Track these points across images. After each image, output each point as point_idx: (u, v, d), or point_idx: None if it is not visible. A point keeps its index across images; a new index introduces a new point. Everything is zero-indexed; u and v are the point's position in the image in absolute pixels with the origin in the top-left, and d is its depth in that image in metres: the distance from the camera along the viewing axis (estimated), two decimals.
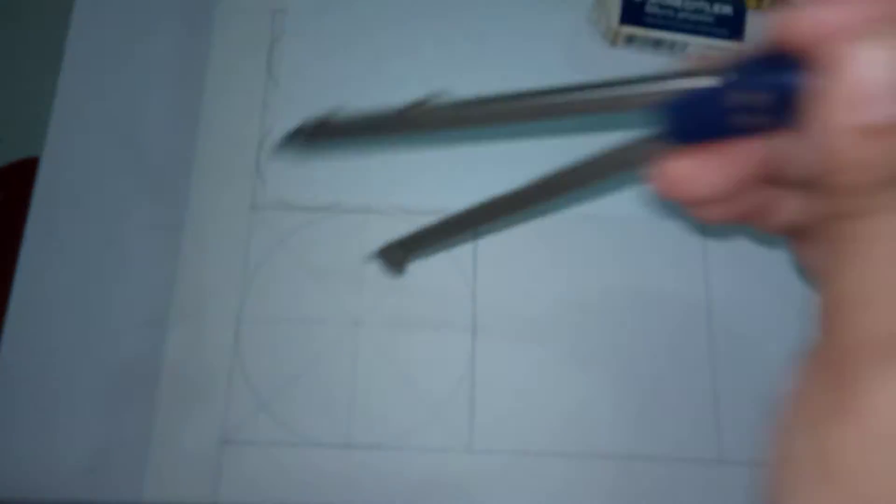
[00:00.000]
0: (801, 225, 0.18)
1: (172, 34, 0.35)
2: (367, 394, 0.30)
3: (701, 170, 0.17)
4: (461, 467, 0.29)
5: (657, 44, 0.33)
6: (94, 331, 0.30)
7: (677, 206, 0.18)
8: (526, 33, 0.34)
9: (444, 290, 0.31)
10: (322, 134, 0.24)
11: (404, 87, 0.33)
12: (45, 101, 0.34)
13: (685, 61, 0.16)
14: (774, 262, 0.31)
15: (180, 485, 0.28)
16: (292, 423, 0.29)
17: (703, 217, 0.18)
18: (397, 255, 0.29)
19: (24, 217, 0.32)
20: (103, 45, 0.35)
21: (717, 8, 0.33)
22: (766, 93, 0.14)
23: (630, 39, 0.33)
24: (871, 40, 0.12)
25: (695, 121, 0.16)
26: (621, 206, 0.32)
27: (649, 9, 0.32)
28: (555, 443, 0.29)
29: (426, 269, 0.31)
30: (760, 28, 0.34)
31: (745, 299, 0.31)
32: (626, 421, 0.29)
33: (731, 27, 0.32)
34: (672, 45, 0.33)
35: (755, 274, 0.31)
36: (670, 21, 0.32)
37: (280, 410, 0.29)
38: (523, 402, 0.30)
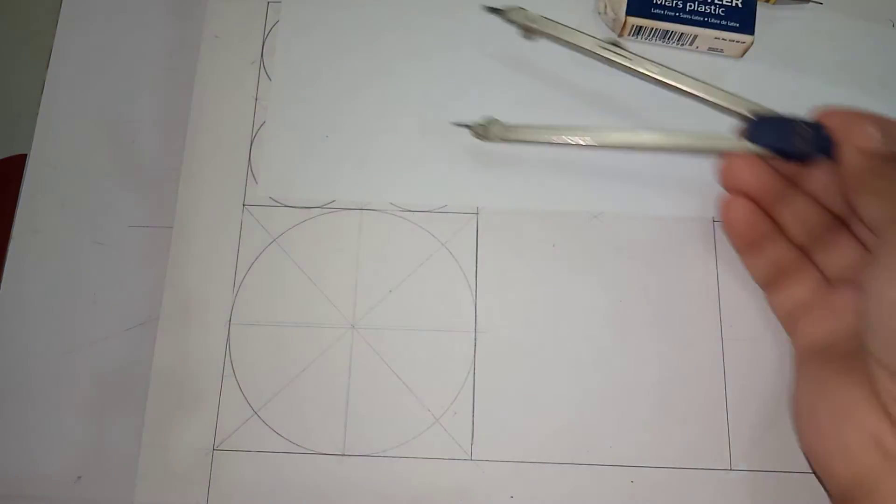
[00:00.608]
0: (778, 275, 0.27)
1: (162, 28, 0.34)
2: (364, 400, 0.29)
3: (753, 166, 0.27)
4: (461, 477, 0.28)
5: (665, 35, 0.32)
6: (81, 333, 0.30)
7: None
8: None
9: (444, 293, 0.30)
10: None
11: (402, 80, 0.33)
12: (32, 97, 0.33)
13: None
14: None
15: (170, 493, 0.28)
16: (285, 430, 0.28)
17: (739, 218, 0.27)
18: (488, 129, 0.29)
19: (11, 216, 0.31)
20: (92, 40, 0.34)
21: None
22: (813, 137, 0.26)
23: (637, 31, 0.32)
24: (863, 123, 0.24)
25: (774, 132, 0.26)
26: (628, 205, 0.31)
27: None
28: (559, 451, 0.28)
29: (426, 270, 0.30)
30: (771, 22, 0.33)
31: (757, 304, 0.30)
32: (633, 428, 0.28)
33: (742, 20, 0.32)
34: (680, 37, 0.32)
35: None
36: (678, 12, 0.32)
37: (273, 417, 0.28)
38: (526, 409, 0.29)
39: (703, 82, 0.28)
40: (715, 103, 0.27)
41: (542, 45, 0.30)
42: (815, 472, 0.27)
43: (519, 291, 0.30)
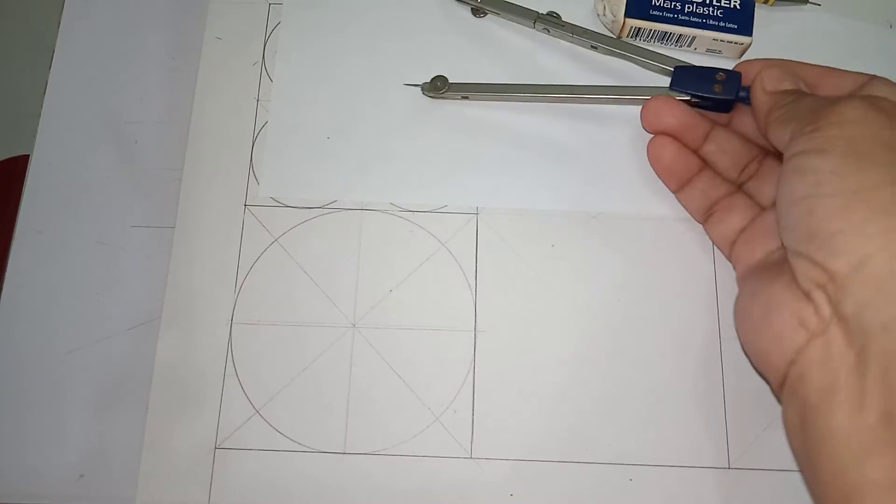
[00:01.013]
0: (714, 207, 0.29)
1: (164, 29, 0.34)
2: (364, 399, 0.29)
3: (671, 106, 0.30)
4: (461, 475, 0.28)
5: (664, 37, 0.32)
6: (84, 332, 0.30)
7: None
8: None
9: (444, 293, 0.30)
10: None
11: (402, 80, 0.33)
12: (35, 97, 0.33)
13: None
14: None
15: (172, 491, 0.28)
16: (287, 428, 0.29)
17: (667, 158, 0.30)
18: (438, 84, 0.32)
19: (14, 216, 0.32)
20: (94, 41, 0.34)
21: (724, 1, 0.32)
22: (728, 83, 0.29)
23: (636, 32, 0.32)
24: (770, 67, 0.27)
25: (694, 80, 0.29)
26: (627, 205, 0.31)
27: (656, 1, 0.32)
28: (558, 450, 0.28)
29: (426, 270, 0.30)
30: (769, 23, 0.33)
31: None
32: (632, 427, 0.29)
33: (740, 21, 0.32)
34: (679, 39, 0.32)
35: None
36: (677, 14, 0.32)
37: (274, 415, 0.29)
38: (525, 407, 0.29)
39: (631, 43, 0.32)
40: (642, 60, 0.31)
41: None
42: (759, 372, 0.28)
43: (518, 291, 0.30)
